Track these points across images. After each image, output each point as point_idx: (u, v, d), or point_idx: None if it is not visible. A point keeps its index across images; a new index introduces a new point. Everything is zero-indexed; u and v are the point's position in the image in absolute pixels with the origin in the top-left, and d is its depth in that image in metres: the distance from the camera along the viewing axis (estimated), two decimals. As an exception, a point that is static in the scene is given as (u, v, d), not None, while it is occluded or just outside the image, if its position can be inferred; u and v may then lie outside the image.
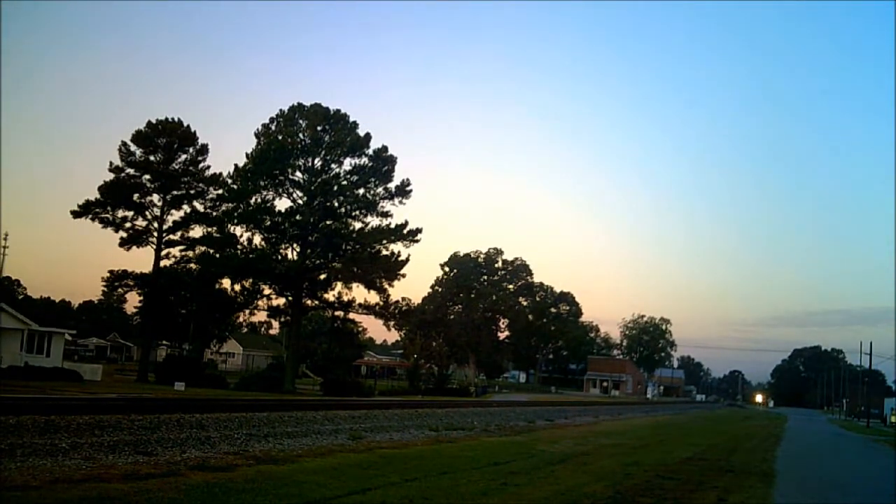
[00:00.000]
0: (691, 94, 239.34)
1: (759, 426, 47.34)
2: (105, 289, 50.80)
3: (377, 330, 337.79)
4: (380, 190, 49.15)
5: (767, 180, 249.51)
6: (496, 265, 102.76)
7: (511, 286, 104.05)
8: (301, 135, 48.68)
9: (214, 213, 49.75)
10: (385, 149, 49.29)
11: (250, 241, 48.69)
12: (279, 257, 49.03)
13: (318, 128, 48.35)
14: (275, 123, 49.22)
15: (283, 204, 48.95)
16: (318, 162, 49.02)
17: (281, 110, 49.22)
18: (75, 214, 47.28)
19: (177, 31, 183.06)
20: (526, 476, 13.42)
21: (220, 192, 49.63)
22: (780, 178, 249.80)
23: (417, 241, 49.15)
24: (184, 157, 49.60)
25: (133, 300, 58.14)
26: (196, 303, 51.76)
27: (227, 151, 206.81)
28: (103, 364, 52.95)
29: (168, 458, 12.26)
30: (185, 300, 52.74)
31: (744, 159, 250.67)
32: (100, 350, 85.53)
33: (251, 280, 49.10)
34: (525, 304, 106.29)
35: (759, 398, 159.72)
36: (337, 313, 55.76)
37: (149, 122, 48.95)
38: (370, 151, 48.97)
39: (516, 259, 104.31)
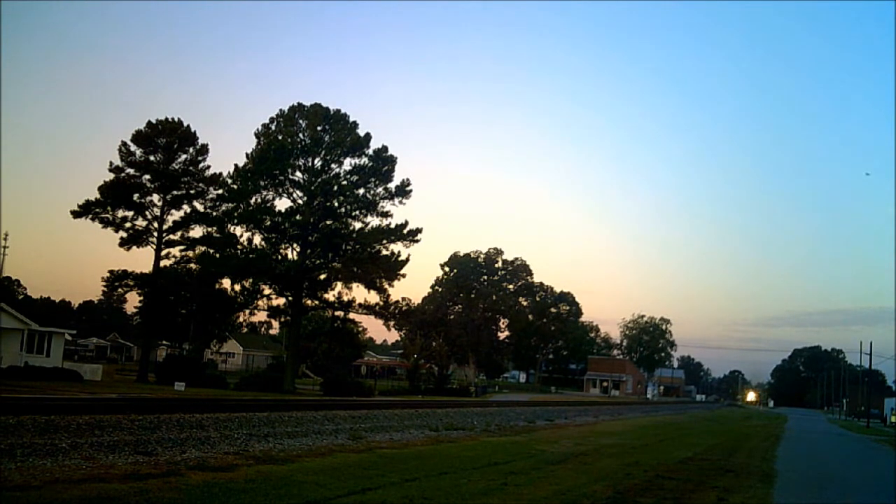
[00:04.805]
0: (692, 95, 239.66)
1: (759, 426, 47.33)
2: (105, 289, 50.78)
3: (377, 330, 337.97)
4: (380, 190, 49.18)
5: (767, 180, 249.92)
6: (496, 265, 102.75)
7: (511, 286, 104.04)
8: (301, 135, 48.69)
9: (214, 213, 49.70)
10: (385, 149, 49.35)
11: (250, 241, 48.74)
12: (279, 257, 49.03)
13: (318, 128, 48.36)
14: (275, 123, 49.22)
15: (283, 204, 49.04)
16: (318, 162, 49.02)
17: (281, 110, 49.31)
18: (75, 214, 47.25)
19: (177, 31, 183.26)
20: (526, 476, 13.41)
21: (220, 192, 49.56)
22: (780, 177, 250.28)
23: (417, 241, 49.25)
24: (184, 157, 49.55)
25: (133, 300, 58.26)
26: (196, 303, 51.74)
27: (227, 151, 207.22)
28: (103, 364, 53.00)
29: (168, 458, 12.25)
30: (185, 300, 52.73)
31: (744, 159, 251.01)
32: (100, 350, 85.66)
33: (251, 280, 49.07)
34: (525, 304, 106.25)
35: (750, 396, 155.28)
36: (337, 313, 55.68)
37: (149, 122, 48.94)
38: (370, 151, 49.01)
39: (516, 259, 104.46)
